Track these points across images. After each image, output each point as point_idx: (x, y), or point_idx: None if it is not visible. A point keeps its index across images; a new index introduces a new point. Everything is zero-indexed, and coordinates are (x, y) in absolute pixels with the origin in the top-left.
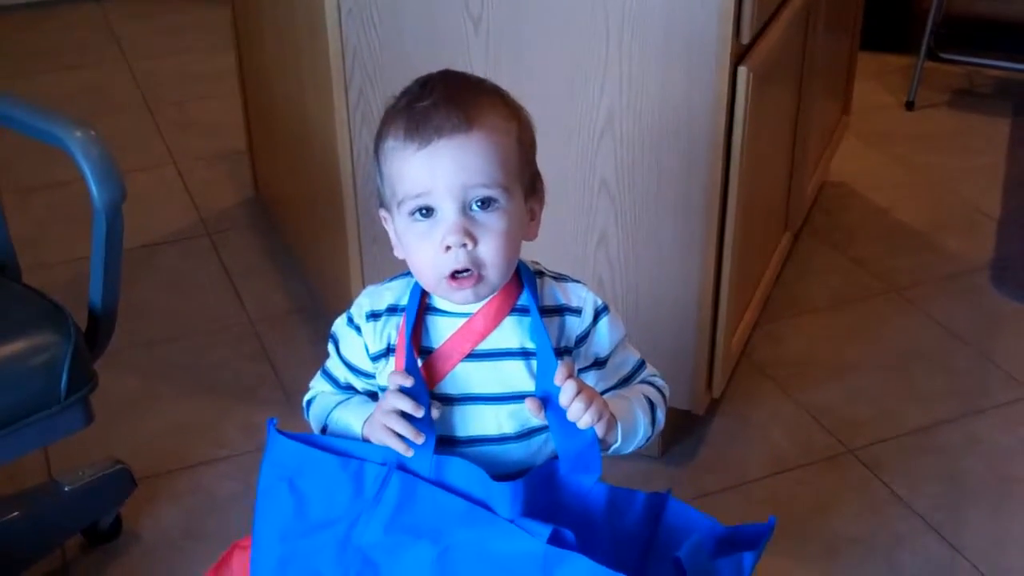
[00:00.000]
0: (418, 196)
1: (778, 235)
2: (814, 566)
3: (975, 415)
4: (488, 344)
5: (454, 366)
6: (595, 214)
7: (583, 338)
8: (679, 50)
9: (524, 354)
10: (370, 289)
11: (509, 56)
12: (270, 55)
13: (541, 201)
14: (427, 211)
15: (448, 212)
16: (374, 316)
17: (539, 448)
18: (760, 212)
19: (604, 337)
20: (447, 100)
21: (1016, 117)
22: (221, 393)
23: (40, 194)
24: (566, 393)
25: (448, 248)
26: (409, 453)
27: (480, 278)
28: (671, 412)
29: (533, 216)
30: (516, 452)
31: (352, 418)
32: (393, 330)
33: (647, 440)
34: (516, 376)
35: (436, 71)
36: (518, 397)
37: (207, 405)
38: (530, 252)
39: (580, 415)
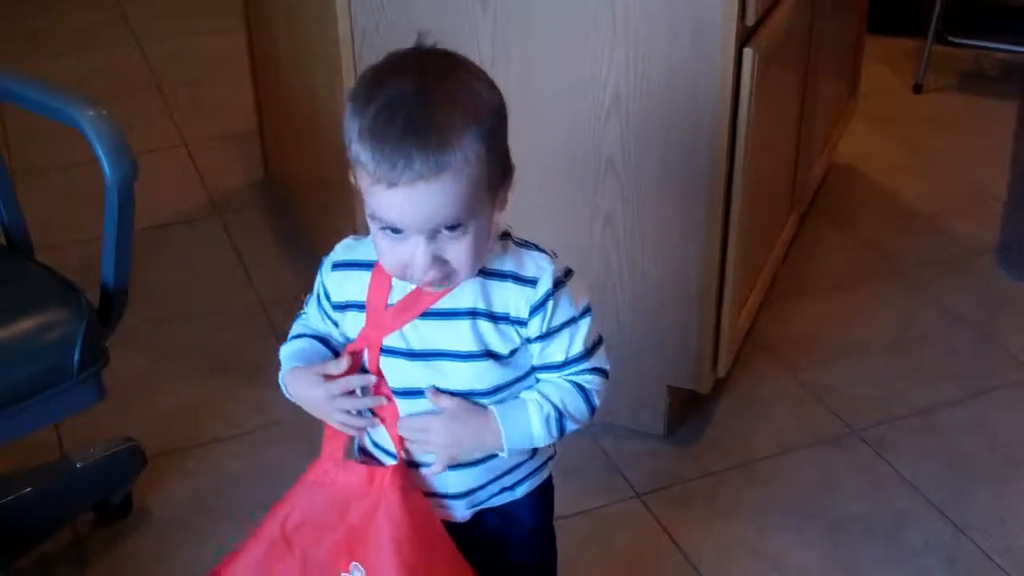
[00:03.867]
0: (388, 222)
1: (784, 216)
2: (818, 545)
3: (980, 396)
4: (441, 304)
5: (406, 322)
6: (601, 194)
7: (536, 308)
8: (685, 31)
9: (471, 314)
10: (348, 241)
11: (516, 37)
12: (280, 36)
13: (509, 186)
14: (397, 230)
15: (417, 242)
16: (337, 266)
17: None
18: (766, 193)
19: (547, 313)
20: (416, 132)
21: None
22: (231, 372)
23: (53, 175)
24: None
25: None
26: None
27: (448, 279)
28: (676, 391)
29: (502, 206)
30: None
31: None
32: (352, 286)
33: (552, 438)
34: (464, 335)
35: (407, 64)
36: (465, 356)
37: (217, 384)
38: (537, 233)
39: None
